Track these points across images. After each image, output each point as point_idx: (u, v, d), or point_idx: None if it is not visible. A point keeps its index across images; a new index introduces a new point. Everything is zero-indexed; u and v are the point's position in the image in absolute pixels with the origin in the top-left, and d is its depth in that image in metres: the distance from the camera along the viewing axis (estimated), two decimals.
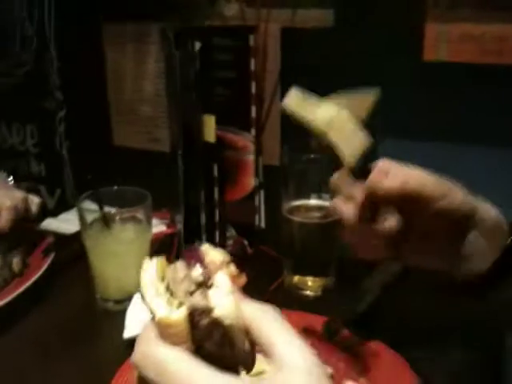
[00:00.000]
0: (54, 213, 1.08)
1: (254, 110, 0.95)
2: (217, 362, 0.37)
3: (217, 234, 0.92)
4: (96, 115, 1.15)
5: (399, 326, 0.73)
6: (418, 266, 0.60)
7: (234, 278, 0.42)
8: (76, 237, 0.96)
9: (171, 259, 0.89)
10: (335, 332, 0.71)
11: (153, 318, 0.39)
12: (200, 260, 0.43)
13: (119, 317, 0.77)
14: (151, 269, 0.41)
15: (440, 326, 0.73)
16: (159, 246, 0.90)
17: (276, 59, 0.95)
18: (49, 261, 0.86)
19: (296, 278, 0.87)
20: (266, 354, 0.38)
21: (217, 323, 0.38)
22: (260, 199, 0.96)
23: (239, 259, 0.94)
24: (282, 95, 0.97)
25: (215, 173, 0.89)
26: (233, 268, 0.43)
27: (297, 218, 0.84)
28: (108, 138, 1.16)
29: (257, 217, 0.98)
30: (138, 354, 0.39)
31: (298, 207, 0.85)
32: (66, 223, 1.07)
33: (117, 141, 1.17)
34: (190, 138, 0.87)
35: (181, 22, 0.92)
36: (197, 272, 0.42)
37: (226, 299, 0.39)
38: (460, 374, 0.65)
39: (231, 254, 0.94)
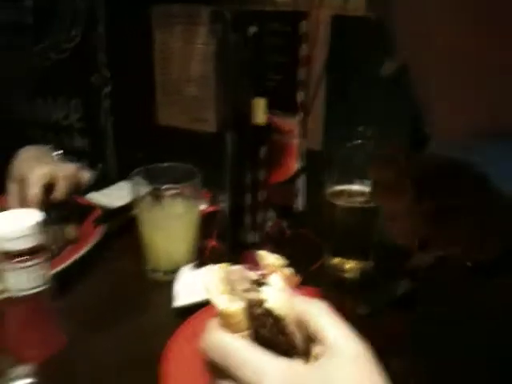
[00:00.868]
0: (96, 187, 1.11)
1: (300, 94, 0.97)
2: (273, 349, 0.44)
3: (259, 215, 0.94)
4: (141, 94, 1.17)
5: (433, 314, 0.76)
6: (452, 251, 0.62)
7: (288, 279, 0.50)
8: (122, 210, 1.00)
9: (214, 237, 0.93)
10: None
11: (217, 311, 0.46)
12: (256, 263, 0.52)
13: (167, 287, 0.80)
14: (215, 271, 0.48)
15: (473, 310, 0.75)
16: (202, 223, 0.93)
17: (324, 46, 0.96)
18: (100, 231, 0.89)
19: (335, 261, 0.89)
20: (317, 342, 0.44)
21: (269, 313, 0.45)
22: (301, 182, 0.99)
23: (277, 241, 0.98)
24: (328, 82, 1.00)
25: (262, 155, 0.91)
26: (287, 270, 0.51)
27: (339, 203, 0.87)
28: (152, 116, 1.19)
29: (297, 200, 1.00)
30: (204, 342, 0.45)
31: (341, 192, 0.88)
32: (107, 197, 1.11)
33: (161, 120, 1.19)
34: (239, 119, 0.89)
35: (232, 6, 0.94)
36: (252, 273, 0.51)
37: (276, 294, 0.46)
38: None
39: (269, 236, 0.98)
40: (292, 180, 0.98)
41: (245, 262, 0.53)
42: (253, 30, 0.87)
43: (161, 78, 1.17)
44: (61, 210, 0.90)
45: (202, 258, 0.86)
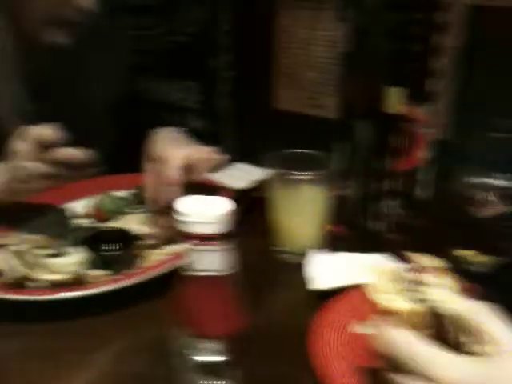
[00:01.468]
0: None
1: (431, 83, 0.97)
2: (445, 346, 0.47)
3: (385, 203, 0.95)
4: (261, 78, 1.20)
5: None
6: None
7: (448, 280, 0.54)
8: (249, 191, 1.03)
9: (340, 223, 0.95)
10: None
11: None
12: (418, 267, 0.56)
13: (296, 269, 0.84)
14: (382, 277, 0.54)
15: None
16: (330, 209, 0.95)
17: (459, 35, 0.95)
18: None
19: (464, 253, 0.89)
20: (484, 343, 0.47)
21: (440, 314, 0.49)
22: (428, 172, 0.99)
23: (403, 230, 0.98)
24: (460, 71, 0.98)
25: (392, 144, 0.92)
26: (449, 275, 0.55)
27: (471, 195, 0.86)
28: (271, 101, 1.21)
29: (423, 189, 1.00)
30: (386, 338, 0.49)
31: (474, 184, 0.87)
32: (228, 178, 1.14)
33: (280, 104, 1.22)
34: (373, 108, 0.90)
35: None
36: (408, 273, 0.55)
37: (447, 296, 0.51)
38: None
39: (395, 224, 0.98)
40: (419, 169, 0.98)
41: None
42: (391, 17, 0.87)
43: (282, 62, 1.19)
44: (198, 192, 0.95)
45: (333, 244, 0.89)
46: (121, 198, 1.02)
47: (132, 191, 1.04)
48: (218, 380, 0.55)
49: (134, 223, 0.95)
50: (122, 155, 1.05)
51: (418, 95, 0.95)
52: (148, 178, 0.95)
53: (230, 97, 1.25)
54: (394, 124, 0.92)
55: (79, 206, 1.01)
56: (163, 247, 0.89)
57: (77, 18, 0.93)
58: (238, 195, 1.00)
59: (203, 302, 0.53)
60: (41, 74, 0.97)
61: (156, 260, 0.85)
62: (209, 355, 0.53)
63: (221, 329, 0.53)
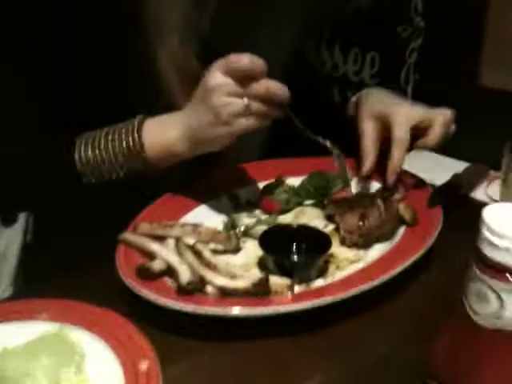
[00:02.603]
0: None
1: None
2: None
3: None
4: (460, 50, 0.99)
5: None
6: None
7: None
8: (450, 187, 0.84)
9: None
10: None
11: None
12: None
13: None
14: None
15: None
16: None
17: None
18: (440, 214, 0.74)
19: None
20: None
21: None
22: None
23: None
24: None
25: None
26: None
27: None
28: (473, 77, 1.00)
29: None
30: None
31: None
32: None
33: (486, 81, 1.00)
34: None
35: None
36: None
37: None
38: None
39: None
40: None
41: None
42: None
43: (492, 33, 0.97)
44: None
45: None
46: (295, 187, 0.86)
47: (306, 178, 0.87)
48: None
49: (313, 218, 0.80)
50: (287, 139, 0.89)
51: None
52: (367, 141, 0.79)
53: (414, 71, 1.06)
54: None
55: (243, 194, 0.86)
56: (355, 250, 0.72)
57: None
58: (444, 193, 0.81)
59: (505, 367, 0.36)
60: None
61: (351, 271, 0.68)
62: None
63: None
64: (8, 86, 0.76)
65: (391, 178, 0.75)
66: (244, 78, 0.66)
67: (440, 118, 0.76)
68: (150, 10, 0.74)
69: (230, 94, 0.66)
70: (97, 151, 0.72)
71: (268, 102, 0.67)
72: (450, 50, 1.00)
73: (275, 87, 0.67)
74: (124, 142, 0.72)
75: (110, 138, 0.72)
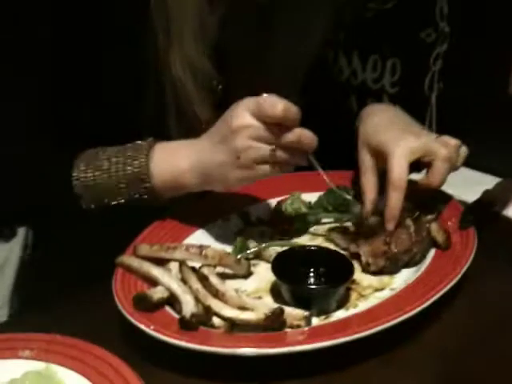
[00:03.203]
0: None
1: None
2: None
3: None
4: (492, 55, 0.92)
5: None
6: None
7: None
8: (480, 206, 0.77)
9: None
10: None
11: None
12: None
13: None
14: None
15: None
16: None
17: None
18: (474, 236, 0.67)
19: None
20: None
21: None
22: None
23: None
24: None
25: None
26: None
27: None
28: (499, 85, 0.93)
29: None
30: None
31: None
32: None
33: None
34: None
35: None
36: None
37: None
38: None
39: None
40: None
41: None
42: None
43: None
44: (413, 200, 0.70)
45: None
46: (311, 203, 0.79)
47: (323, 194, 0.80)
48: None
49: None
50: None
51: None
52: (366, 177, 0.72)
53: (439, 79, 0.99)
54: None
55: (254, 211, 0.79)
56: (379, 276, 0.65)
57: None
58: (475, 212, 0.74)
59: None
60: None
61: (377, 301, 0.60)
62: None
63: None
64: (8, 86, 0.73)
65: (390, 225, 0.66)
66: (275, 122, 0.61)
67: (442, 152, 0.68)
68: (162, 13, 0.69)
69: (256, 138, 0.61)
70: (97, 173, 0.66)
71: (294, 150, 0.63)
72: (477, 57, 0.93)
73: (307, 136, 0.63)
74: (129, 167, 0.66)
75: (113, 160, 0.66)
